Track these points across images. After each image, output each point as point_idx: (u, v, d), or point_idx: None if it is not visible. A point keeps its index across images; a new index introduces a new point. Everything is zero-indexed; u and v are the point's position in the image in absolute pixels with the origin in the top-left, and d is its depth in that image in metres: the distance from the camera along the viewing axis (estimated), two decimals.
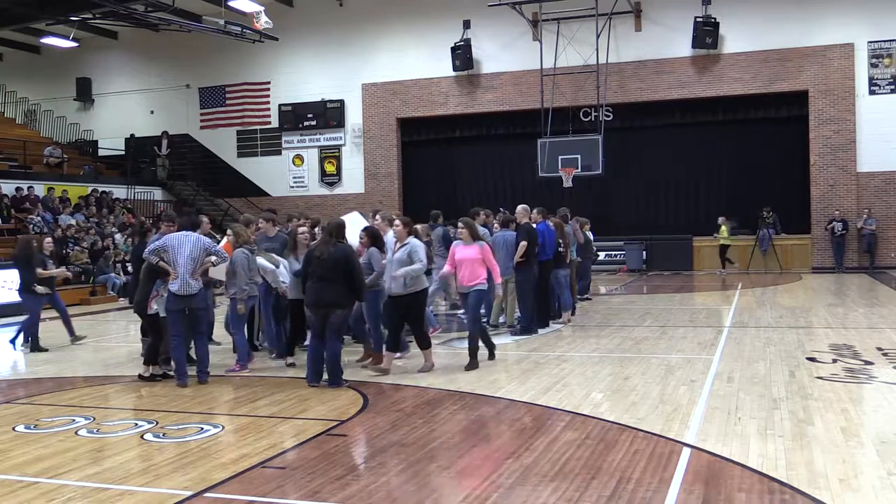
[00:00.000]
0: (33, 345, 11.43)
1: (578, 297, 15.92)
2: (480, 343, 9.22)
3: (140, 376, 8.79)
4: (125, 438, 6.47)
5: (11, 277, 16.71)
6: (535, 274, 11.35)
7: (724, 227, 22.15)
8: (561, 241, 12.40)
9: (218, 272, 9.01)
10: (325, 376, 8.22)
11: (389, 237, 9.24)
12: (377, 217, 10.19)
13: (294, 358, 9.51)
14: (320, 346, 8.18)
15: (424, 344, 8.94)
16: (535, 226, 11.74)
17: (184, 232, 8.61)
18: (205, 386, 8.41)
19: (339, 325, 8.20)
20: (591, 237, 16.05)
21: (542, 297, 11.96)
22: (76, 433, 6.62)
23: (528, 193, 21.80)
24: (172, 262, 8.38)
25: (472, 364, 8.99)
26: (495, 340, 9.79)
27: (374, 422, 6.74)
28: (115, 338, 13.14)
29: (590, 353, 9.97)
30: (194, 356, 8.83)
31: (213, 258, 8.56)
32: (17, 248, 12.37)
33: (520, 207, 11.81)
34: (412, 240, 8.82)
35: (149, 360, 8.80)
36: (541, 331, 11.67)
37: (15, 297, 16.39)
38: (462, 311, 13.33)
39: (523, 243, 11.09)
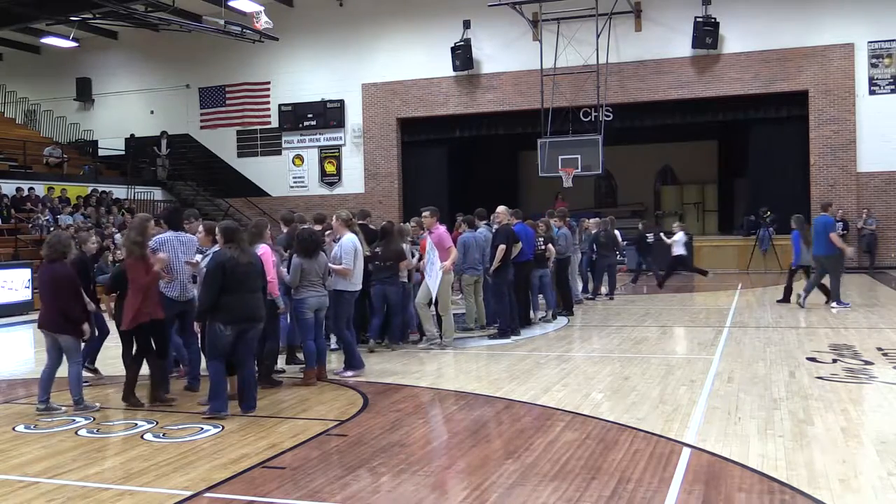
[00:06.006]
0: None
1: (589, 294, 16.10)
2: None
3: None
4: (125, 438, 6.48)
5: (11, 277, 16.73)
6: (511, 276, 11.09)
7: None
8: (541, 240, 12.29)
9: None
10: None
11: (349, 239, 9.04)
12: (334, 218, 9.56)
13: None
14: (250, 370, 7.27)
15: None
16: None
17: (174, 232, 8.32)
18: (205, 386, 8.34)
19: (255, 341, 7.36)
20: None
21: (524, 298, 11.77)
22: (76, 433, 6.62)
23: (528, 193, 21.81)
24: (168, 266, 8.12)
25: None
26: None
27: (374, 422, 6.74)
28: (115, 338, 13.07)
29: (590, 353, 9.97)
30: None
31: (199, 256, 8.29)
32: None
33: (500, 208, 11.57)
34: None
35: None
36: (522, 332, 11.31)
37: (14, 298, 16.52)
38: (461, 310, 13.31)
39: (502, 246, 10.73)
